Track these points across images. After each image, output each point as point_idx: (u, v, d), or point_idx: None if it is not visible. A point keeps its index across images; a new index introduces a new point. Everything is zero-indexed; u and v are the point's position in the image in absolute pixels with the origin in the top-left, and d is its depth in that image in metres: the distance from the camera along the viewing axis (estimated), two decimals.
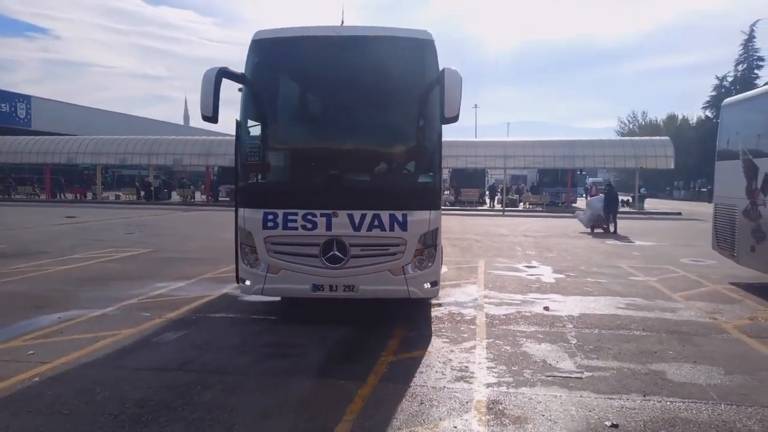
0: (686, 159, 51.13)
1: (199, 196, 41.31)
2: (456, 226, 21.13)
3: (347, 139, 7.21)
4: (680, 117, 69.01)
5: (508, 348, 6.06)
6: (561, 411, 4.42)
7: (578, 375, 5.23)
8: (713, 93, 56.19)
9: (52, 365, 5.30)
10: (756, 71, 54.67)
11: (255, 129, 6.97)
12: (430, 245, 6.61)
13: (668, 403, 4.60)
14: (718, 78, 57.26)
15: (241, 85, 6.83)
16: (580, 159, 34.98)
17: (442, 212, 7.10)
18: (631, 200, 36.87)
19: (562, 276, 10.63)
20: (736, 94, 15.20)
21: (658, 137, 39.35)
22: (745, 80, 52.32)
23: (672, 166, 34.92)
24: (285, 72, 7.26)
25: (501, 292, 9.06)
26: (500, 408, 4.46)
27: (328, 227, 6.48)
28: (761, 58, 54.90)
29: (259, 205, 6.65)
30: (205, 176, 41.59)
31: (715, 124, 16.87)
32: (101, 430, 4.02)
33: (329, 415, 4.30)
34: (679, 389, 4.91)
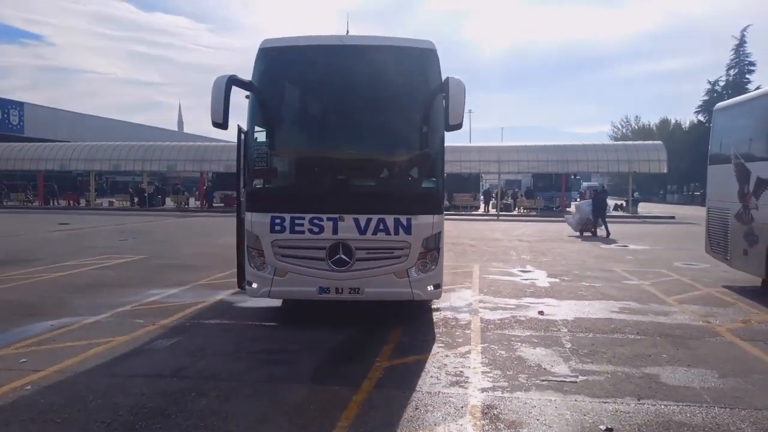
0: (679, 163, 51.45)
1: (193, 203, 41.25)
2: (451, 231, 21.09)
3: (353, 145, 7.33)
4: (673, 121, 69.59)
5: (503, 352, 6.06)
6: (556, 415, 4.42)
7: (573, 379, 5.24)
8: (705, 97, 56.64)
9: (45, 373, 5.25)
10: (747, 75, 55.23)
11: (262, 135, 7.06)
12: (433, 248, 6.70)
13: (662, 406, 4.61)
14: (710, 82, 57.85)
15: (248, 93, 6.91)
16: (574, 163, 35.22)
17: None
18: (624, 204, 37.08)
19: (556, 280, 10.66)
20: (728, 99, 15.34)
21: (651, 142, 39.70)
22: (737, 85, 52.71)
23: (665, 170, 35.24)
24: (291, 79, 7.35)
25: (496, 296, 9.08)
26: (495, 413, 4.46)
27: (335, 231, 6.55)
28: (752, 63, 55.57)
29: (266, 210, 6.73)
30: (199, 182, 41.54)
31: (708, 129, 16.98)
32: None
33: (324, 421, 4.28)
34: (673, 392, 4.92)
